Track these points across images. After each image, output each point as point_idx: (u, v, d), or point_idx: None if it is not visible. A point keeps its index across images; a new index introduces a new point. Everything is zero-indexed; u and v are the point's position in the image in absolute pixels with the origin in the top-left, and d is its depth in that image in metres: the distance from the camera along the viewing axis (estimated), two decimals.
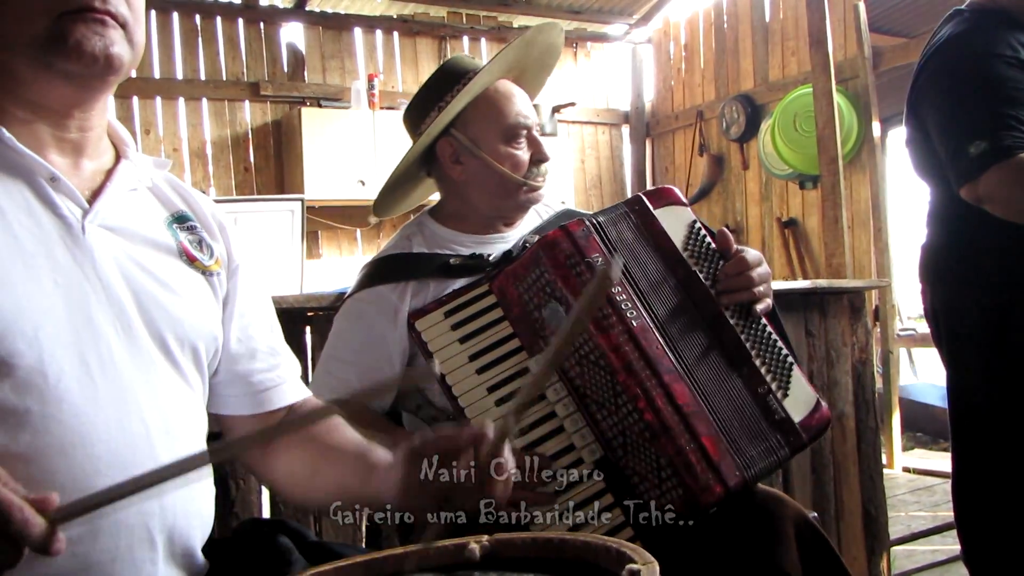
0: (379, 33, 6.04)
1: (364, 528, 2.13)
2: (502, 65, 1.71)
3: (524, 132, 1.69)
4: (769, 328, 1.55)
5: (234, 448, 0.95)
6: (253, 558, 1.07)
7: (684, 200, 1.62)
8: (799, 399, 1.50)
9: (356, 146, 5.39)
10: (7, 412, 0.88)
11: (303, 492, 1.18)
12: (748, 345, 1.50)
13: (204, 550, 1.06)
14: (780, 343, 1.54)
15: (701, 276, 1.52)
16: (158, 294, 1.03)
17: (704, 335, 1.49)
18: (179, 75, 5.41)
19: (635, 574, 0.74)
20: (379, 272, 1.68)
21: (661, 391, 1.39)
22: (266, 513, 2.10)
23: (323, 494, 1.15)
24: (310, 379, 2.28)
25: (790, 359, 1.53)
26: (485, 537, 0.93)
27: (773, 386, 1.49)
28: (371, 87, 5.60)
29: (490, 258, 1.64)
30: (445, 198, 1.79)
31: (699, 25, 6.32)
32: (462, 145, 1.69)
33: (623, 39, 6.84)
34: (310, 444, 1.17)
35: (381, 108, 5.60)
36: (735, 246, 1.57)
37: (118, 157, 1.10)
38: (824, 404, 1.53)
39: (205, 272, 1.12)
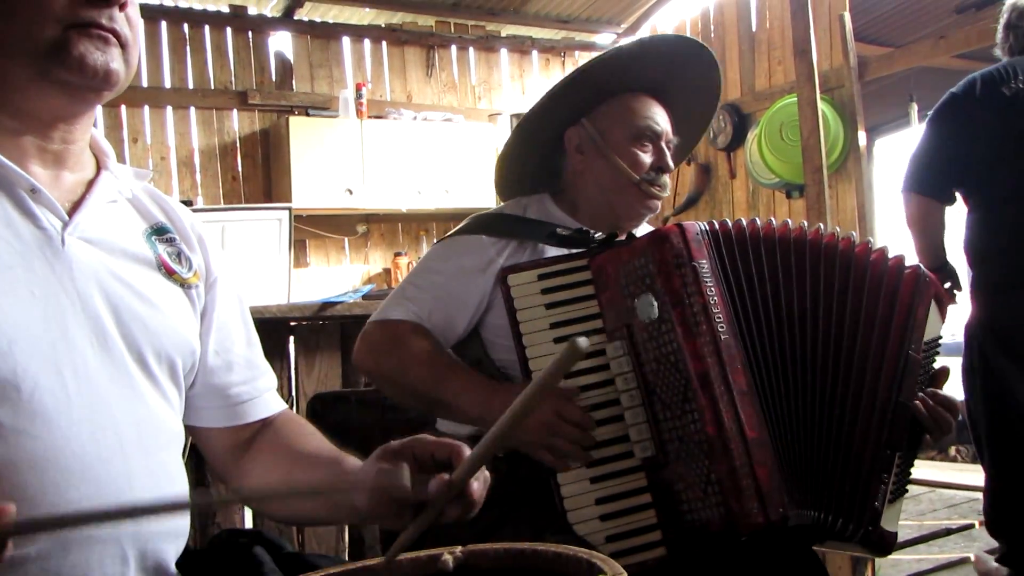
0: (367, 42, 6.05)
1: (347, 539, 2.13)
2: (633, 52, 1.73)
3: (652, 138, 1.71)
4: (914, 456, 1.57)
5: (216, 502, 0.92)
6: (227, 570, 1.07)
7: (946, 317, 1.64)
8: (892, 516, 1.51)
9: (344, 155, 5.40)
10: None
11: (277, 502, 1.16)
12: (904, 445, 1.50)
13: (178, 563, 1.06)
14: (909, 473, 1.56)
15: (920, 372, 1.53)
16: (136, 307, 1.03)
17: (877, 398, 1.48)
18: (167, 84, 5.41)
19: None
20: (486, 224, 1.70)
21: (731, 409, 1.38)
22: (248, 523, 2.09)
23: (299, 501, 1.13)
24: (294, 389, 2.28)
25: (906, 488, 1.55)
26: (459, 548, 0.93)
27: (890, 488, 1.48)
28: (359, 96, 5.62)
29: (596, 236, 1.63)
30: (564, 187, 1.80)
31: (686, 34, 6.35)
32: (588, 135, 1.73)
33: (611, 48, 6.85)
34: (284, 454, 1.16)
35: (369, 117, 5.61)
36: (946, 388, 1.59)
37: (99, 168, 1.10)
38: (895, 536, 1.53)
39: (184, 285, 1.12)
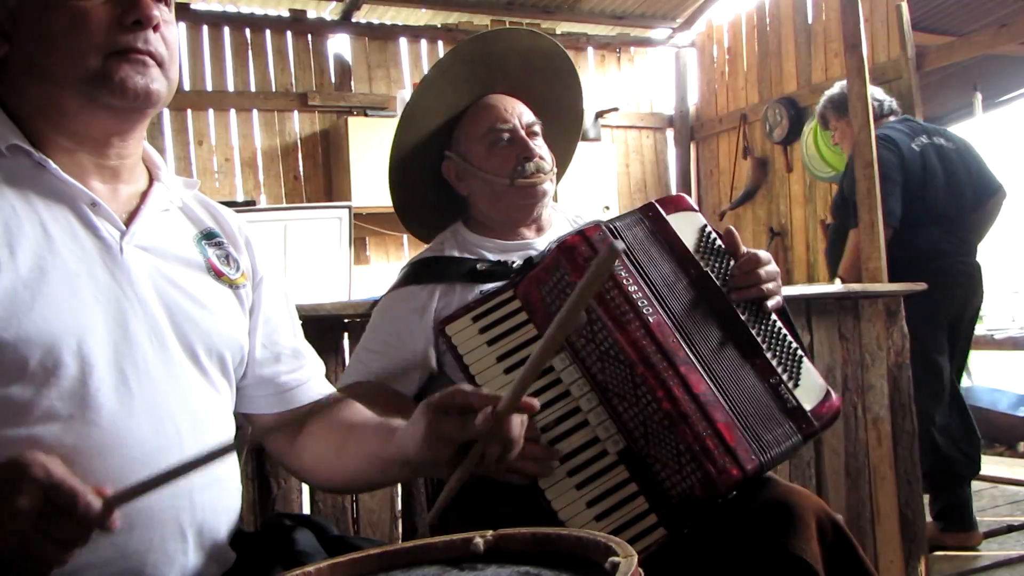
0: (424, 42, 6.14)
1: (400, 527, 2.21)
2: (439, 78, 1.82)
3: (504, 135, 1.79)
4: (779, 323, 1.61)
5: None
6: (272, 551, 1.15)
7: (694, 206, 1.70)
8: (810, 389, 1.56)
9: None
10: (53, 417, 0.97)
11: (330, 471, 1.26)
12: (759, 339, 1.57)
13: (232, 542, 1.14)
14: (789, 337, 1.61)
15: (712, 275, 1.59)
16: (189, 308, 1.12)
17: (717, 329, 1.56)
18: (230, 87, 5.57)
19: (615, 565, 0.81)
20: (412, 274, 1.81)
21: (678, 381, 1.46)
22: (306, 505, 2.19)
23: (352, 466, 1.23)
24: None
25: (799, 352, 1.59)
26: (489, 532, 1.00)
27: (784, 376, 1.55)
28: None
29: (514, 265, 1.73)
30: (469, 211, 1.91)
31: (742, 28, 6.32)
32: (458, 163, 1.84)
33: (667, 43, 6.86)
34: (335, 428, 1.26)
35: None
36: (743, 247, 1.64)
37: (151, 180, 1.19)
38: (834, 394, 1.59)
39: (232, 285, 1.22)
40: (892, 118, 3.88)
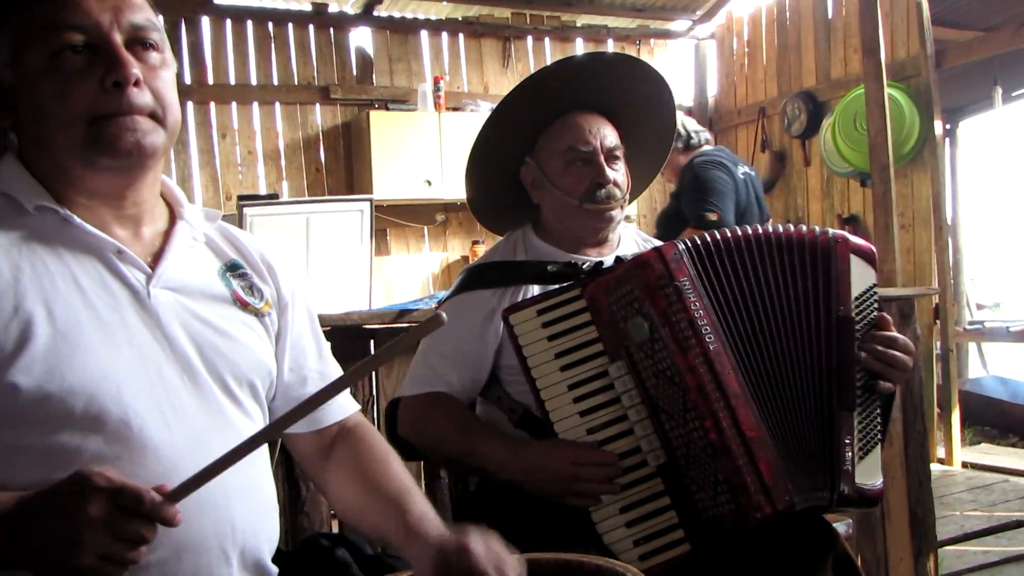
0: (445, 35, 6.20)
1: None
2: (538, 87, 1.83)
3: (582, 157, 1.80)
4: (879, 403, 1.62)
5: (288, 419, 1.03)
6: (315, 569, 1.22)
7: (877, 266, 1.69)
8: (868, 470, 1.58)
9: (423, 147, 5.55)
10: (102, 458, 1.04)
11: (351, 519, 1.32)
12: (858, 400, 1.57)
13: (274, 560, 1.22)
14: (880, 419, 1.63)
15: (856, 325, 1.59)
16: (217, 342, 1.18)
17: (824, 371, 1.57)
18: (253, 80, 5.64)
19: None
20: (483, 277, 1.84)
21: (727, 414, 1.49)
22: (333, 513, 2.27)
23: (368, 530, 1.28)
24: (375, 389, 2.44)
25: (879, 436, 1.62)
26: (516, 557, 1.07)
27: (857, 446, 1.56)
28: (437, 89, 5.77)
29: (584, 267, 1.76)
30: (540, 217, 1.93)
31: (762, 21, 6.33)
32: (535, 172, 1.85)
33: (686, 35, 6.88)
34: (362, 479, 1.29)
35: (447, 109, 5.76)
36: (894, 330, 1.64)
37: (173, 218, 1.24)
38: (882, 489, 1.60)
39: (257, 314, 1.26)
40: (707, 147, 4.17)
